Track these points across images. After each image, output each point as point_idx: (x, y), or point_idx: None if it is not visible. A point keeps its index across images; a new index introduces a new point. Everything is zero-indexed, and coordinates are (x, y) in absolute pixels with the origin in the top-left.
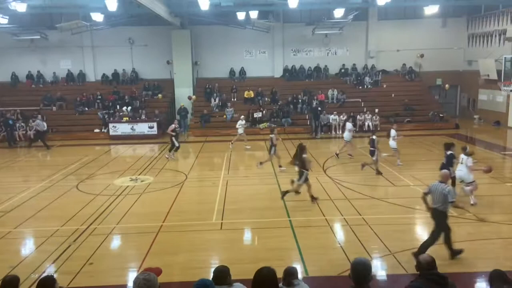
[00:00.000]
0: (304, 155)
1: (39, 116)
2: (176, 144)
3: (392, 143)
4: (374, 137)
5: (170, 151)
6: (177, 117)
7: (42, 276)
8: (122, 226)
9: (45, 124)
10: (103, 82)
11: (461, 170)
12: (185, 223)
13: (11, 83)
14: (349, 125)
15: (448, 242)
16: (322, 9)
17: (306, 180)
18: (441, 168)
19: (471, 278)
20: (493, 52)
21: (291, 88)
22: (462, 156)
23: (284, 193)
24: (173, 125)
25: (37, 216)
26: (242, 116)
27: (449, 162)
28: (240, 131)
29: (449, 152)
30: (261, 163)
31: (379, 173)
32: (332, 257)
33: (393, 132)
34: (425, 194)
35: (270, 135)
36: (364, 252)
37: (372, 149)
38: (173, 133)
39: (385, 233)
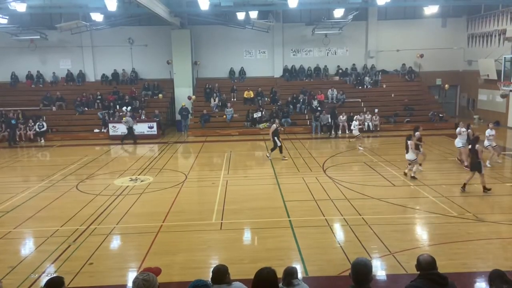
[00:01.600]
0: (477, 145)
1: (128, 113)
2: (279, 143)
3: (486, 142)
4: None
5: (272, 150)
6: (178, 117)
7: (51, 276)
8: (121, 226)
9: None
10: (103, 82)
11: None
12: (184, 223)
13: (11, 83)
14: (461, 129)
15: None
16: (322, 9)
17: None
18: None
19: (471, 278)
20: (492, 52)
21: (291, 88)
22: None
23: (484, 189)
24: (274, 125)
25: (36, 216)
26: (356, 116)
27: None
28: (355, 132)
29: None
30: (420, 164)
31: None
32: (332, 257)
33: (488, 132)
34: None
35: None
36: (364, 252)
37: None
38: (279, 130)
39: (385, 233)
